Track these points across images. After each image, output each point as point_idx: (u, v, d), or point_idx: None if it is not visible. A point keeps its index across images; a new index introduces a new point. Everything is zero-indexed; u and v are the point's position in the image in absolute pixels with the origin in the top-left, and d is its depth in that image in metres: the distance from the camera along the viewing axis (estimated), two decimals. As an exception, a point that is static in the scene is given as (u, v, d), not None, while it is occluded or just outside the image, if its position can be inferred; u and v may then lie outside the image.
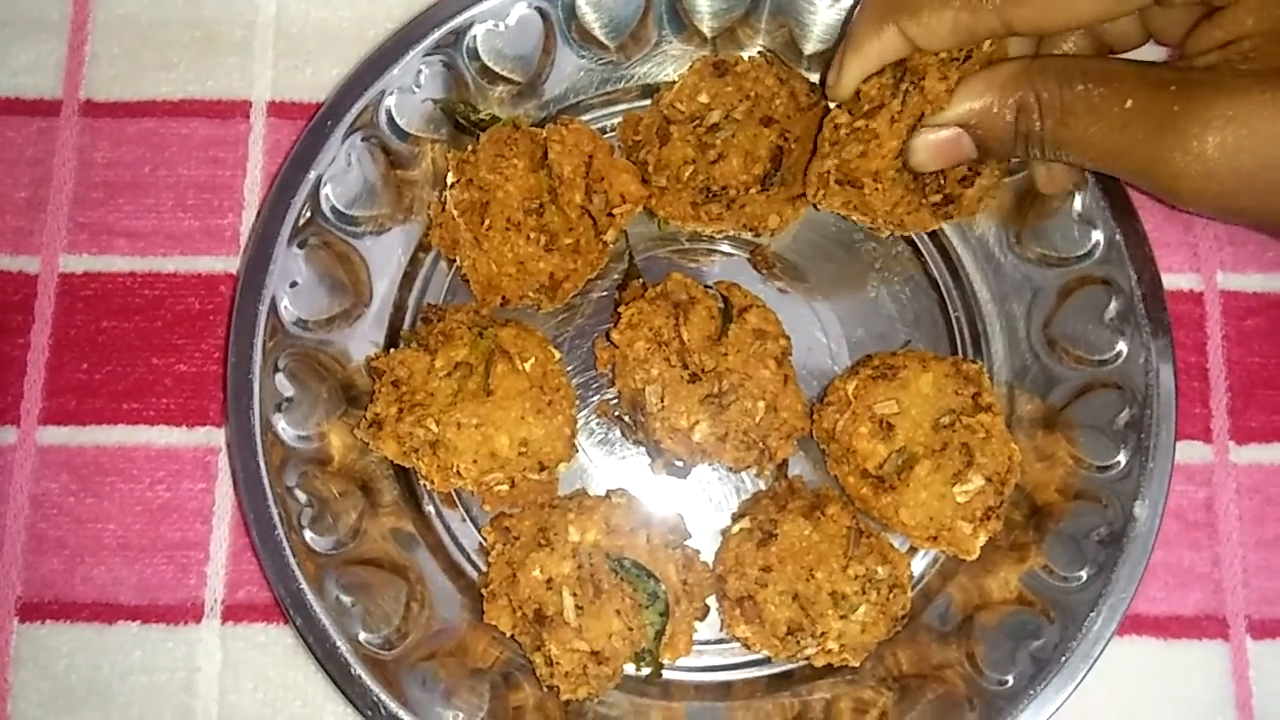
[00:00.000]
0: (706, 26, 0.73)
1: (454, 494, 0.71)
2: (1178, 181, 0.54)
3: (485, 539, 0.68)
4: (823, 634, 0.64)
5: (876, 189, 0.64)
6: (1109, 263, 0.69)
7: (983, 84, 0.59)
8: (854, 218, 0.67)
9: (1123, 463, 0.67)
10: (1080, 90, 0.56)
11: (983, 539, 0.65)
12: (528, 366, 0.66)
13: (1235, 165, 0.52)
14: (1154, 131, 0.54)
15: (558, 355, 0.69)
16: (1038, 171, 0.69)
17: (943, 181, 0.65)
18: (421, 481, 0.69)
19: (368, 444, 0.67)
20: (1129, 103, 0.55)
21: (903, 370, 0.67)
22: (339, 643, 0.63)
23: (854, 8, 0.72)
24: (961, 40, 0.59)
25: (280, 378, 0.67)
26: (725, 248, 0.74)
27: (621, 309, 0.68)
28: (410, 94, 0.70)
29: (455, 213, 0.68)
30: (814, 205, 0.68)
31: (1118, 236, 0.68)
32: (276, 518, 0.65)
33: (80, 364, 0.73)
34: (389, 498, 0.69)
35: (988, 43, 0.60)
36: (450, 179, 0.69)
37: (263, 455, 0.65)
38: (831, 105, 0.66)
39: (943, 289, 0.74)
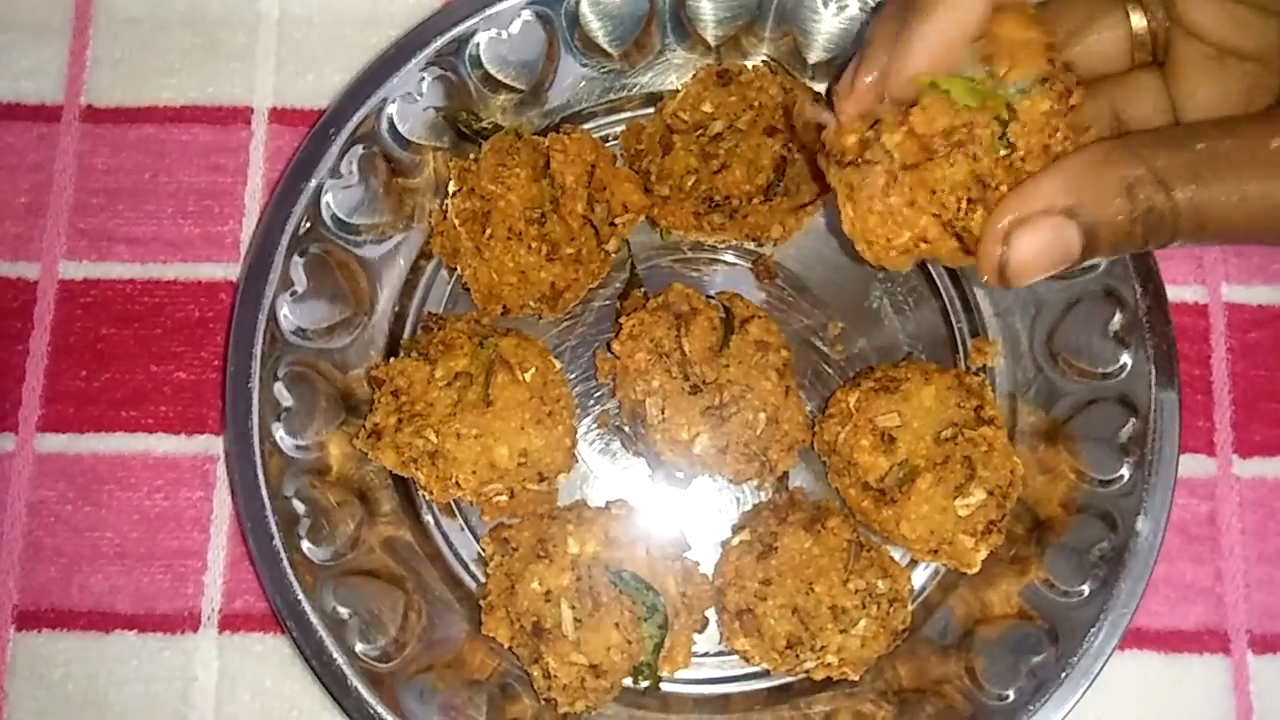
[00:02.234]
0: (710, 35, 0.73)
1: (453, 504, 0.70)
2: None
3: (484, 550, 0.68)
4: (822, 648, 0.63)
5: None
6: (1113, 275, 0.68)
7: (1080, 160, 0.46)
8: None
9: (1125, 477, 0.66)
10: (1203, 147, 0.44)
11: (984, 553, 0.65)
12: (528, 376, 0.66)
13: None
14: None
15: (558, 365, 0.68)
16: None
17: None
18: (420, 492, 0.69)
19: (366, 454, 0.67)
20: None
21: (905, 382, 0.67)
22: (336, 654, 0.63)
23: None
24: None
25: (279, 386, 0.66)
26: (727, 257, 0.74)
27: (623, 319, 0.68)
28: (412, 102, 0.70)
29: (456, 221, 0.68)
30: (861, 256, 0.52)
31: (1122, 249, 0.68)
32: (274, 527, 0.64)
33: (79, 371, 0.72)
34: (387, 507, 0.69)
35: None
36: (452, 187, 0.69)
37: (261, 464, 0.65)
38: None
39: (945, 300, 0.74)
